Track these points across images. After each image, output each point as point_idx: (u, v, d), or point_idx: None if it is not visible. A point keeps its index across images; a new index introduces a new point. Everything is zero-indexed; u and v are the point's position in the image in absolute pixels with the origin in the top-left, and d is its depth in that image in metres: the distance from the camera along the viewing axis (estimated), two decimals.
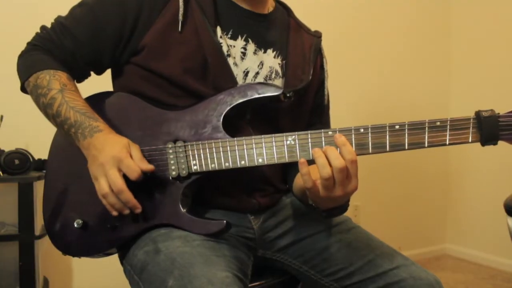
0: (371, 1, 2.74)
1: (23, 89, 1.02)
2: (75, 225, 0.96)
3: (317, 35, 1.16)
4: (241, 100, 0.94)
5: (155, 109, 0.97)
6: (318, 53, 1.15)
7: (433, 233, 3.09)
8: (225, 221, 0.91)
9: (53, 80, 0.95)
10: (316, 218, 1.09)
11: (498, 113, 0.82)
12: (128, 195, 0.88)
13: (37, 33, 1.01)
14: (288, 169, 1.12)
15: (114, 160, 0.87)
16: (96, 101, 1.00)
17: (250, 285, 1.04)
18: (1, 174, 1.64)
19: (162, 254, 0.87)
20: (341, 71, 2.56)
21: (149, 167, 0.90)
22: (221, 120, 0.93)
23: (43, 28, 1.01)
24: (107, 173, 0.87)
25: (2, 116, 1.68)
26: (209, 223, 0.93)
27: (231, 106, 0.94)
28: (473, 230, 2.95)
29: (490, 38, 2.83)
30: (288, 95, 1.01)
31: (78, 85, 1.03)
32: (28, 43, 1.01)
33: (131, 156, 0.89)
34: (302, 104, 1.09)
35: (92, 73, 1.07)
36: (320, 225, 1.07)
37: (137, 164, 0.88)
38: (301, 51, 1.11)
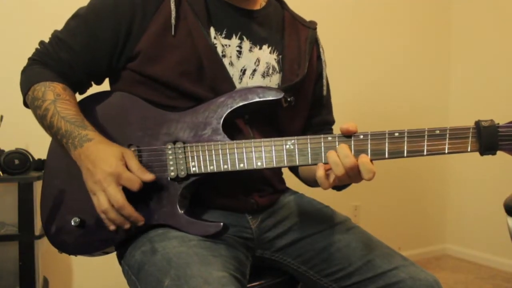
0: (371, 1, 2.74)
1: (26, 104, 1.02)
2: (72, 223, 0.96)
3: (312, 27, 1.16)
4: (241, 103, 0.94)
5: (156, 109, 0.97)
6: (314, 44, 1.15)
7: (433, 233, 3.09)
8: (222, 223, 0.91)
9: (48, 91, 0.96)
10: (315, 218, 1.09)
11: (498, 123, 0.82)
12: (130, 210, 0.88)
13: (36, 49, 1.03)
14: None
15: (112, 177, 0.87)
16: (97, 100, 1.01)
17: (249, 286, 1.04)
18: (1, 174, 1.64)
19: (159, 254, 0.88)
20: (339, 71, 2.56)
21: (149, 177, 0.89)
22: (221, 122, 0.93)
23: (41, 43, 1.02)
24: (106, 189, 0.87)
25: (2, 116, 1.68)
26: (206, 224, 0.93)
27: (232, 108, 0.94)
28: (473, 230, 2.95)
29: (490, 39, 2.83)
30: (289, 99, 1.01)
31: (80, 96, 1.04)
32: (28, 59, 1.02)
33: (128, 167, 0.89)
34: (301, 99, 1.08)
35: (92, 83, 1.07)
36: (319, 225, 1.07)
37: (136, 175, 0.88)
38: (297, 44, 1.11)
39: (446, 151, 0.83)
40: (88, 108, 0.99)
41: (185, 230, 0.93)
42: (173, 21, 0.97)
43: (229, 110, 0.94)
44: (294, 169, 1.18)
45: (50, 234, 1.00)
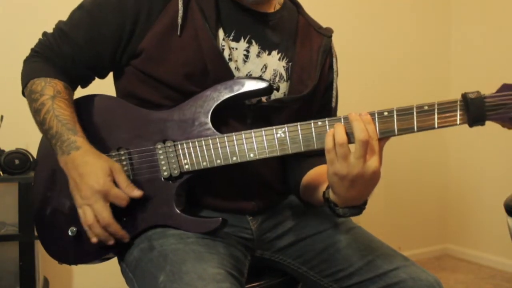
0: None
1: (24, 95, 1.02)
2: (70, 233, 0.94)
3: (328, 34, 1.10)
4: (227, 96, 0.93)
5: (142, 110, 0.96)
6: (328, 53, 1.10)
7: (433, 233, 3.09)
8: (220, 218, 0.92)
9: (48, 86, 0.95)
10: (315, 218, 1.09)
11: (484, 94, 0.83)
12: (116, 228, 0.89)
13: (39, 39, 1.02)
14: (291, 169, 1.11)
15: (99, 194, 0.88)
16: (82, 105, 0.99)
17: (249, 286, 1.04)
18: (1, 174, 1.64)
19: (156, 251, 0.88)
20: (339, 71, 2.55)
21: (137, 193, 0.90)
22: (209, 116, 0.92)
23: (44, 34, 1.01)
24: (93, 206, 0.88)
25: (2, 116, 1.68)
26: (205, 221, 0.93)
27: (218, 102, 0.93)
28: (473, 230, 2.95)
29: (490, 37, 2.83)
30: (275, 87, 0.99)
31: (83, 90, 1.03)
32: (31, 49, 1.02)
33: (116, 183, 0.89)
34: (306, 108, 1.05)
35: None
36: (319, 226, 1.07)
37: (125, 192, 0.89)
38: (309, 52, 1.07)
39: (436, 126, 0.83)
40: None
41: (184, 229, 0.93)
42: (179, 20, 0.94)
43: (216, 104, 0.93)
44: (294, 187, 1.10)
45: (47, 246, 0.99)
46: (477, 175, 2.90)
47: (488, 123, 0.83)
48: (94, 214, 0.88)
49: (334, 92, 1.11)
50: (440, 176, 3.06)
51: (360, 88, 2.69)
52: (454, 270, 2.82)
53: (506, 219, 1.53)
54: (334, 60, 1.11)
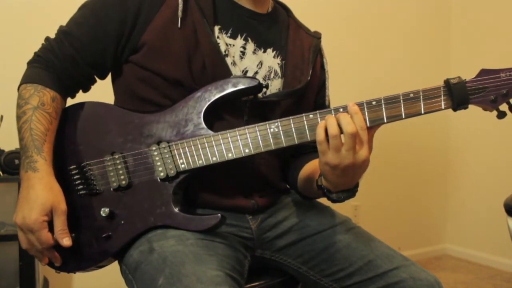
0: None
1: None
2: None
3: (317, 36, 1.16)
4: (218, 95, 0.94)
5: (134, 114, 0.97)
6: (318, 54, 1.15)
7: (433, 233, 3.09)
8: (219, 214, 0.92)
9: (35, 95, 0.95)
10: (315, 218, 1.09)
11: (465, 79, 0.87)
12: (50, 253, 0.92)
13: (42, 44, 1.02)
14: (289, 166, 1.12)
15: (26, 228, 0.88)
16: (72, 113, 0.99)
17: (249, 286, 1.04)
18: (1, 174, 1.64)
19: (156, 253, 0.88)
20: (337, 70, 2.55)
21: (66, 242, 0.90)
22: (202, 117, 0.94)
23: (46, 39, 1.02)
24: (26, 233, 0.90)
25: (2, 116, 1.68)
26: (204, 218, 0.93)
27: (210, 102, 0.94)
28: (473, 230, 2.95)
29: (490, 37, 2.83)
30: (264, 85, 1.01)
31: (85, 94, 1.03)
32: (34, 53, 1.02)
33: (54, 221, 0.90)
34: (302, 105, 1.08)
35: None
36: (319, 226, 1.07)
37: (56, 236, 0.89)
38: (300, 51, 1.11)
39: (423, 112, 0.88)
40: (64, 123, 0.98)
41: (184, 228, 0.93)
42: (180, 13, 0.96)
43: (207, 104, 0.94)
44: (292, 183, 1.13)
45: None
46: (477, 174, 2.90)
47: (480, 119, 0.85)
48: (28, 239, 0.90)
49: (327, 91, 1.16)
50: (440, 176, 3.06)
51: (358, 81, 2.69)
52: (454, 270, 2.82)
53: (506, 219, 1.53)
54: (324, 61, 1.16)
